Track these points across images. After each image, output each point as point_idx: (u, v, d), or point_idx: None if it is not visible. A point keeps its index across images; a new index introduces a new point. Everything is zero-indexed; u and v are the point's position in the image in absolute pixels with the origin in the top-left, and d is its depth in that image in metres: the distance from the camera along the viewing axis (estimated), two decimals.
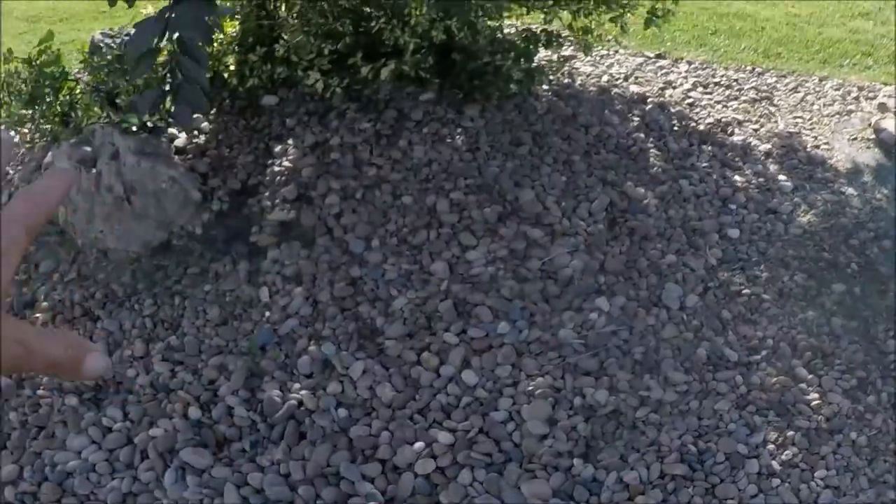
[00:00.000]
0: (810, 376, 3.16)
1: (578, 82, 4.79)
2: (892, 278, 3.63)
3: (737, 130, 4.59)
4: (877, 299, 3.54)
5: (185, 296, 3.37)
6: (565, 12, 4.27)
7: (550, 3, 4.21)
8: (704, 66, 5.54)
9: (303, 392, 2.94)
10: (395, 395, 2.98)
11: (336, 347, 3.10)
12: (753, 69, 5.63)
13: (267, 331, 3.16)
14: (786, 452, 2.89)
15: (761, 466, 2.82)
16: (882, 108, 4.89)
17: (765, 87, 5.28)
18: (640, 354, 3.11)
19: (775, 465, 2.84)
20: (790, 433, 2.94)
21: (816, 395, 3.08)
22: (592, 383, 3.00)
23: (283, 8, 4.08)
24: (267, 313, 3.23)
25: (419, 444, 2.82)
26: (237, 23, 4.15)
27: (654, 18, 4.41)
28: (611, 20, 4.41)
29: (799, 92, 5.28)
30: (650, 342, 3.17)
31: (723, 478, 2.78)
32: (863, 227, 3.91)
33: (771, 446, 2.89)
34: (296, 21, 3.90)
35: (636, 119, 4.47)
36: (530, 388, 2.97)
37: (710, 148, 4.34)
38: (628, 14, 4.41)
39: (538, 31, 4.33)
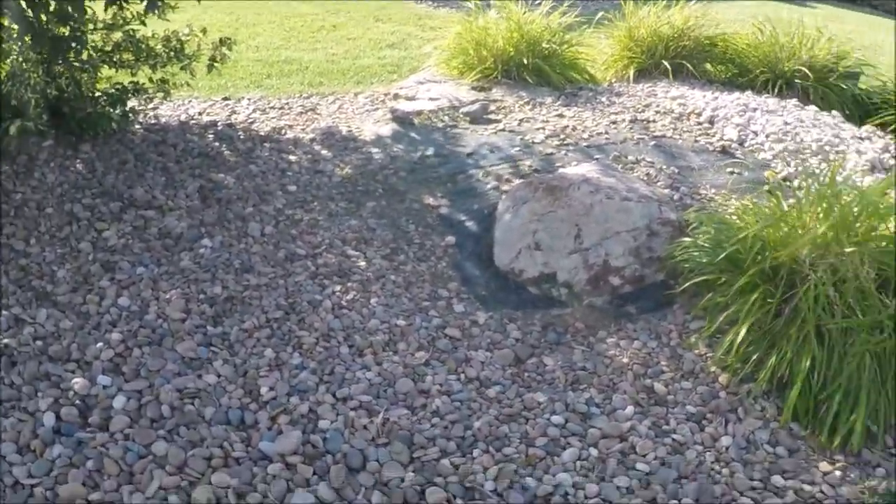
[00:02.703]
0: (358, 253, 4.73)
1: (163, 121, 6.25)
2: (407, 191, 5.38)
3: (289, 132, 6.24)
4: (397, 204, 5.26)
5: None
6: (146, 67, 5.70)
7: (133, 61, 5.63)
8: (262, 99, 7.17)
9: (6, 340, 3.86)
10: (72, 324, 4.04)
11: (21, 308, 4.11)
12: (301, 95, 7.33)
13: None
14: (348, 296, 4.42)
15: (332, 304, 4.28)
16: (396, 97, 6.78)
17: (310, 104, 7.00)
18: (238, 264, 4.53)
19: (343, 302, 4.33)
20: (350, 284, 4.46)
21: (364, 263, 4.68)
22: (209, 286, 4.38)
23: None
24: None
25: (100, 344, 3.96)
26: None
27: (213, 64, 5.95)
28: (181, 69, 5.86)
29: (337, 104, 7.04)
30: (245, 256, 4.62)
31: (308, 313, 4.21)
32: (385, 168, 5.65)
33: (338, 294, 4.40)
34: None
35: (211, 136, 5.99)
36: (167, 296, 4.30)
37: (269, 144, 5.94)
38: (194, 63, 5.89)
39: (127, 84, 5.71)
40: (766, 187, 4.49)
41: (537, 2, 7.56)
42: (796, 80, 7.23)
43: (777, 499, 3.32)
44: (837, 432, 3.59)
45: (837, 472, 3.46)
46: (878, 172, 5.74)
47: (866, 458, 3.58)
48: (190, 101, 7.00)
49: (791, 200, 4.31)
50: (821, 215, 3.98)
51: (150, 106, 6.38)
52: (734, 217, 4.26)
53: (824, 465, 3.51)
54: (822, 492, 3.38)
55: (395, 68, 8.39)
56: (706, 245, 4.18)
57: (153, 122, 6.19)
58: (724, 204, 4.61)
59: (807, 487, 3.38)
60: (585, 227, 4.49)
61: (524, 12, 7.14)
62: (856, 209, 4.02)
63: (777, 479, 3.41)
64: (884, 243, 3.94)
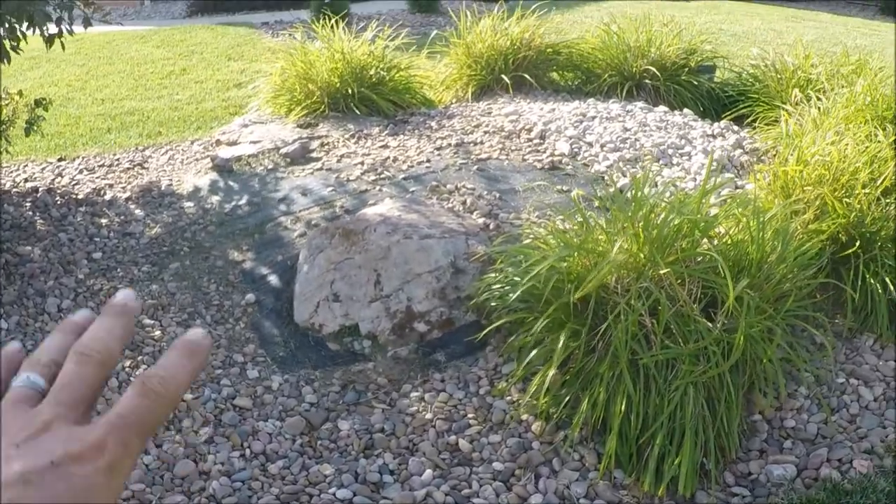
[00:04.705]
0: (154, 322, 4.38)
1: None
2: (213, 247, 5.01)
3: (108, 192, 5.84)
4: (201, 262, 4.89)
5: None
6: None
7: None
8: (96, 156, 6.76)
9: None
10: None
11: None
12: (136, 148, 6.93)
13: None
14: (136, 371, 4.03)
15: (119, 383, 3.89)
16: (218, 143, 6.39)
17: (140, 158, 6.60)
18: (30, 346, 4.14)
19: (131, 380, 3.96)
20: (141, 358, 4.09)
21: (159, 332, 4.30)
22: None
23: None
24: None
25: None
26: None
27: (31, 127, 5.56)
28: None
29: (168, 154, 6.65)
30: (39, 336, 4.22)
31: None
32: (195, 223, 5.27)
33: (126, 370, 4.00)
34: None
35: (28, 204, 5.59)
36: None
37: (84, 208, 5.55)
38: (10, 129, 5.51)
39: None
40: (574, 210, 4.10)
41: (362, 26, 7.24)
42: (646, 81, 6.94)
43: None
44: (664, 477, 3.25)
45: None
46: (728, 171, 5.46)
47: (701, 501, 3.27)
48: (25, 166, 6.59)
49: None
50: (631, 236, 3.62)
51: None
52: (538, 245, 3.88)
53: None
54: None
55: (237, 109, 8.00)
56: (516, 278, 3.81)
57: None
58: (537, 229, 4.25)
59: None
60: (385, 271, 4.13)
61: (349, 41, 6.75)
62: (674, 224, 3.69)
63: None
64: (709, 258, 3.60)
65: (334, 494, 3.28)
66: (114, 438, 0.55)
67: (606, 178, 5.15)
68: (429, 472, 3.38)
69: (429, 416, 3.68)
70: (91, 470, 0.53)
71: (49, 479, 0.52)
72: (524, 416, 3.63)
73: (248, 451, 3.54)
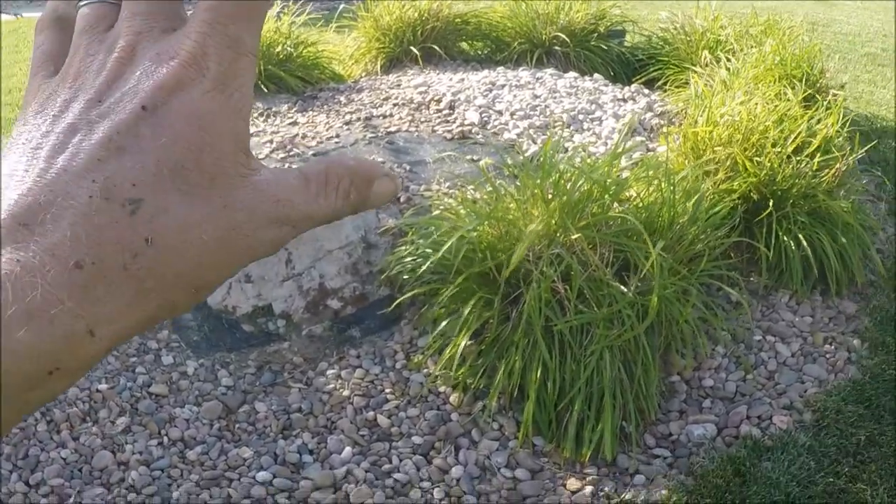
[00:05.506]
0: None
1: None
2: None
3: None
4: None
5: None
6: None
7: None
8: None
9: None
10: None
11: None
12: None
13: None
14: None
15: None
16: None
17: None
18: None
19: None
20: None
21: None
22: None
23: None
24: None
25: None
26: None
27: None
28: None
29: None
30: None
31: None
32: None
33: None
34: None
35: None
36: None
37: None
38: None
39: None
40: (484, 179, 4.06)
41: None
42: (556, 48, 6.92)
43: None
44: (585, 442, 3.24)
45: (588, 489, 3.14)
46: (639, 135, 5.47)
47: (623, 464, 3.27)
48: None
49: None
50: (541, 202, 3.60)
51: None
52: (449, 216, 3.85)
53: (573, 483, 3.18)
54: None
55: None
56: (428, 250, 3.77)
57: None
58: (448, 200, 4.21)
59: None
60: (295, 249, 4.07)
61: None
62: (584, 189, 3.67)
63: None
64: (621, 221, 3.59)
65: (254, 477, 3.24)
66: (214, 40, 0.40)
67: (516, 146, 5.11)
68: (348, 449, 3.34)
69: (346, 393, 3.64)
70: (195, 96, 0.39)
71: (145, 131, 0.39)
72: (441, 389, 3.60)
73: (165, 439, 3.48)
